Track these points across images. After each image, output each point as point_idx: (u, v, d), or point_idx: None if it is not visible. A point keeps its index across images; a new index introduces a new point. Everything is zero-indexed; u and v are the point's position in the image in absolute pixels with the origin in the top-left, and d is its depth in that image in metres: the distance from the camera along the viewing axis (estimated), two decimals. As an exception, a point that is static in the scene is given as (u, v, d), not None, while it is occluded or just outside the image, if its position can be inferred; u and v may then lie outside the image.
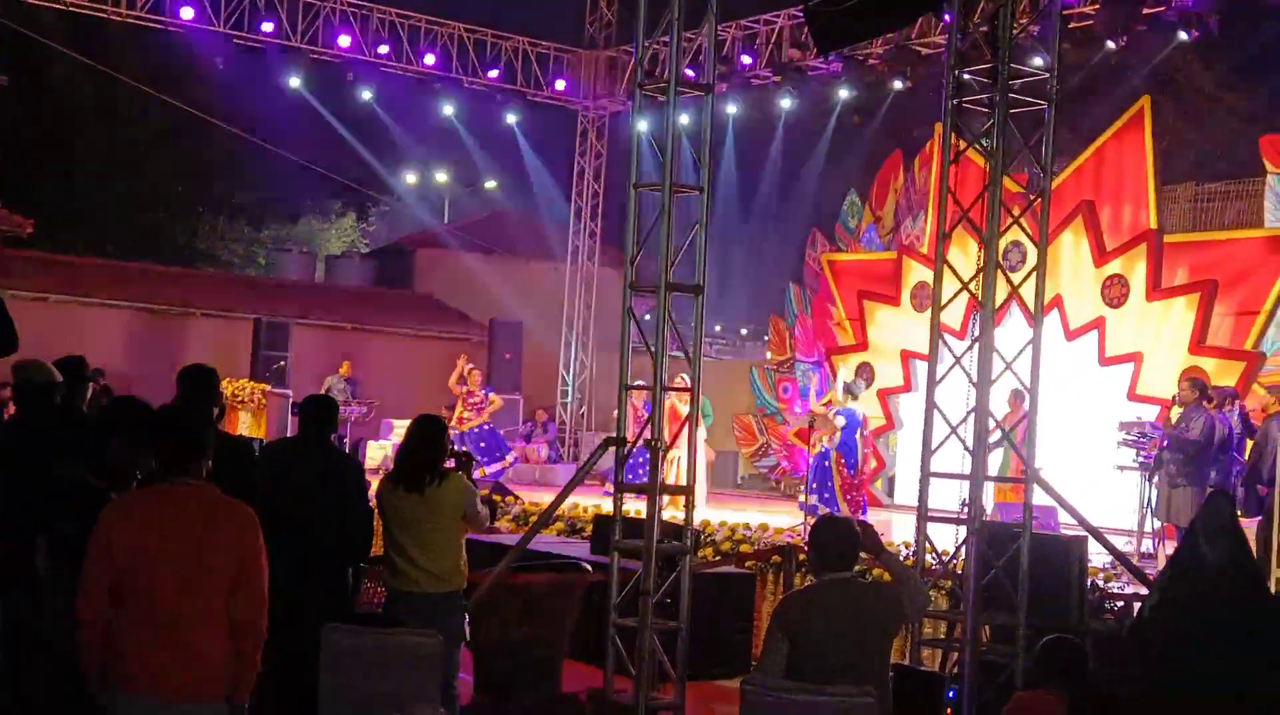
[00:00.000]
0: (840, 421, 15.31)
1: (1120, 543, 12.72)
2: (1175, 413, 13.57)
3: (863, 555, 6.13)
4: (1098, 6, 16.46)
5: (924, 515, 8.57)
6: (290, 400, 19.98)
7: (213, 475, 4.93)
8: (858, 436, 15.51)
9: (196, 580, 4.70)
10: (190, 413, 5.44)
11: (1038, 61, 9.40)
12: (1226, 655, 5.10)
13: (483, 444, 18.07)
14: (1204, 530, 5.33)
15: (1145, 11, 16.22)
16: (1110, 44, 16.71)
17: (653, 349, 7.63)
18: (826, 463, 15.30)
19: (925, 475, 8.55)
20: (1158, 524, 13.21)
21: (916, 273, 19.01)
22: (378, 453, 20.99)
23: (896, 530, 14.30)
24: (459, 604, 7.15)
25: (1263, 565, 5.65)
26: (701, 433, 16.90)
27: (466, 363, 19.07)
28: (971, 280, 8.41)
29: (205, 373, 6.96)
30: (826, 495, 15.03)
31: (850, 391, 15.70)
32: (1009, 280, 8.65)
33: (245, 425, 19.44)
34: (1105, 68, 18.74)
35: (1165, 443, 12.97)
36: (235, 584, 4.73)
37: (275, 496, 6.45)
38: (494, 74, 22.22)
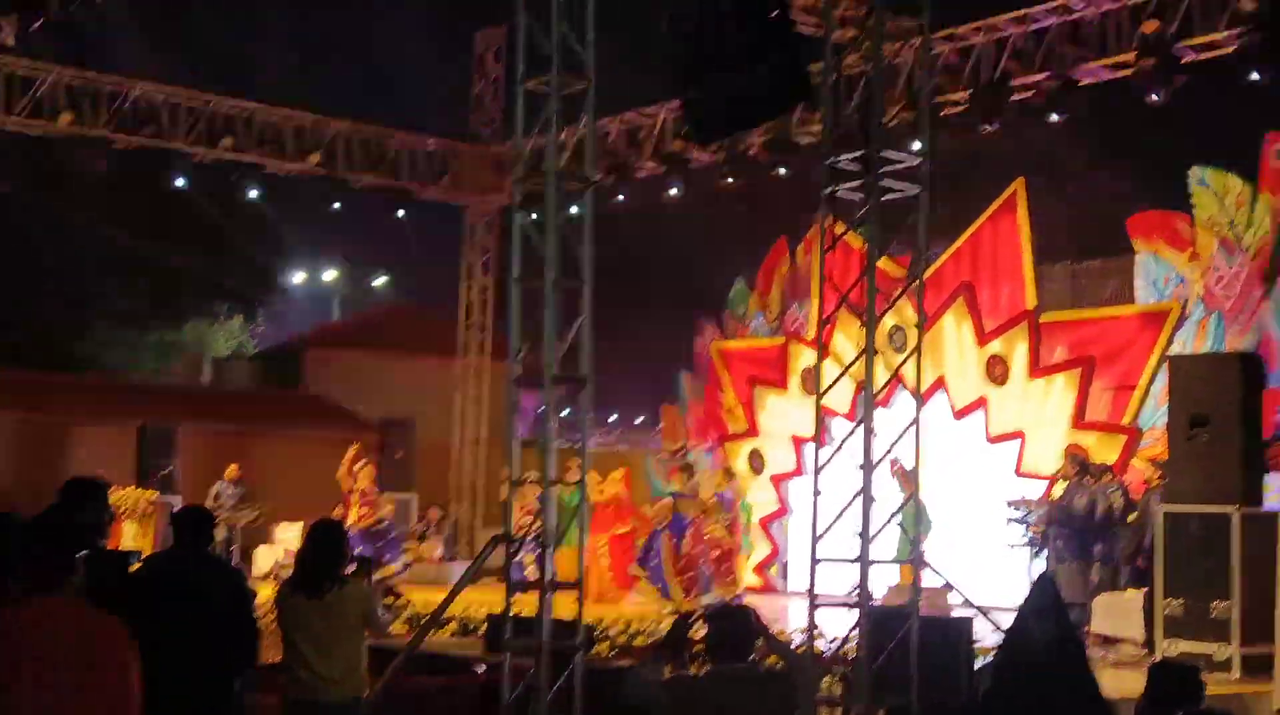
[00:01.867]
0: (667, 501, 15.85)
1: (1010, 620, 12.86)
2: (1059, 489, 13.80)
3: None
4: (969, 92, 16.89)
5: (814, 601, 8.59)
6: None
7: (85, 590, 4.79)
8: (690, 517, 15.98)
9: (67, 701, 4.54)
10: (55, 526, 5.29)
11: (914, 147, 9.61)
12: None
13: (380, 544, 17.80)
14: (1032, 611, 5.41)
15: (1014, 98, 16.67)
16: (984, 128, 17.13)
17: (541, 443, 7.61)
18: (656, 544, 15.74)
19: (814, 561, 8.58)
20: (1048, 599, 13.36)
21: (804, 357, 19.23)
22: (269, 557, 20.59)
23: (790, 616, 14.32)
24: (360, 713, 7.02)
25: (1084, 655, 5.72)
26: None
27: (356, 453, 18.84)
28: (852, 364, 8.52)
29: (88, 485, 6.80)
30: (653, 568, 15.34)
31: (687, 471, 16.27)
32: (888, 363, 8.76)
33: (131, 535, 18.98)
34: (979, 151, 19.20)
35: (1050, 519, 13.16)
36: (110, 702, 4.58)
37: (155, 611, 6.29)
38: (380, 171, 22.22)
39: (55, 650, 4.56)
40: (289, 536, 21.13)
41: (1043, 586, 5.52)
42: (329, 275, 40.04)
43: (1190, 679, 5.39)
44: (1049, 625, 5.27)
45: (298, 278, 38.50)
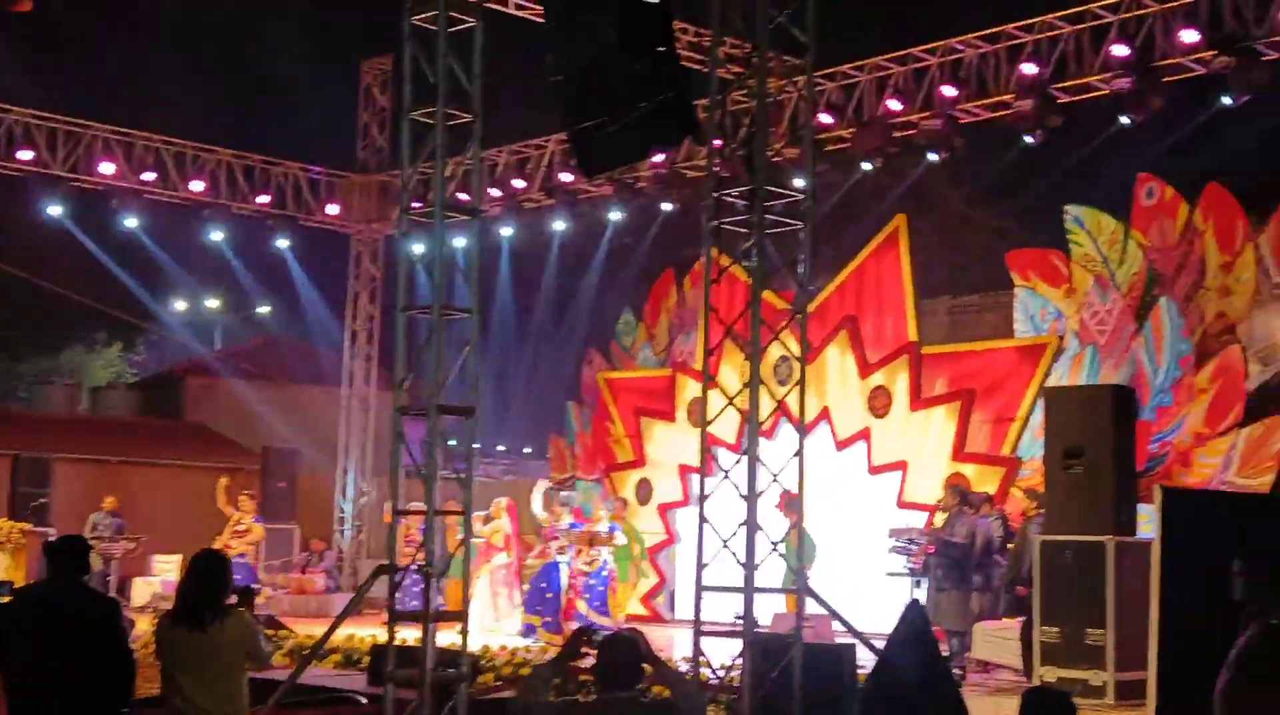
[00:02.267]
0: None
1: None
2: (940, 519, 14.03)
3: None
4: (853, 130, 17.19)
5: (699, 629, 8.64)
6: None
7: None
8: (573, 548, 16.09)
9: None
10: None
11: (798, 183, 9.75)
12: None
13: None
14: (900, 641, 5.51)
15: (896, 135, 16.99)
16: (866, 165, 17.43)
17: (425, 473, 7.58)
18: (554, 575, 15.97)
19: (699, 589, 8.63)
20: (929, 628, 13.56)
21: (691, 389, 19.35)
22: (146, 590, 20.19)
23: (677, 645, 14.36)
24: (239, 746, 6.89)
25: (952, 682, 5.84)
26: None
27: (228, 484, 18.62)
28: (737, 395, 8.61)
29: None
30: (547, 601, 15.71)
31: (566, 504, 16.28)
32: (772, 394, 8.87)
33: (3, 567, 18.49)
34: (863, 188, 19.54)
35: (931, 549, 13.37)
36: None
37: (28, 643, 6.15)
38: (264, 199, 21.97)
39: None
40: (167, 568, 20.75)
41: (911, 616, 5.62)
42: (211, 304, 39.47)
43: (1062, 704, 5.49)
44: (917, 654, 5.36)
45: (179, 306, 37.87)
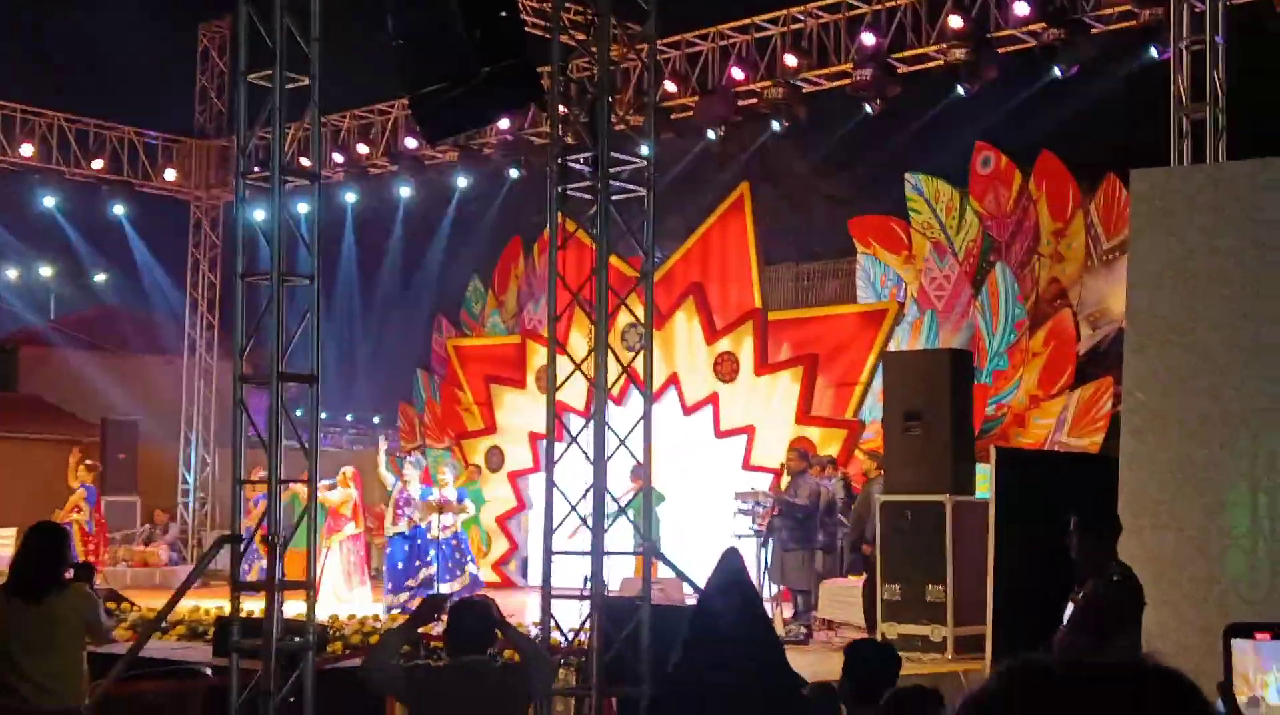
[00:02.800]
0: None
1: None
2: (785, 481, 14.28)
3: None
4: (697, 98, 17.31)
5: (548, 593, 8.70)
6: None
7: None
8: (427, 516, 16.04)
9: None
10: None
11: (643, 150, 9.80)
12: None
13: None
14: (717, 586, 5.64)
15: (740, 104, 17.16)
16: (710, 134, 17.57)
17: (267, 442, 7.50)
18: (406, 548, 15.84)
19: (548, 553, 8.69)
20: (774, 588, 13.82)
21: (540, 356, 19.35)
22: (-20, 566, 19.63)
23: (530, 610, 14.42)
24: (78, 722, 6.77)
25: (768, 624, 6.00)
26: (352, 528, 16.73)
27: (80, 456, 18.13)
28: (584, 361, 8.66)
29: None
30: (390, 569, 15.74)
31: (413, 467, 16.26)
32: (619, 360, 8.94)
33: None
34: (708, 156, 19.68)
35: (776, 510, 13.61)
36: None
37: None
38: (98, 165, 21.37)
39: None
40: (3, 542, 20.17)
41: (727, 561, 5.74)
42: (45, 272, 38.27)
43: (884, 655, 5.65)
44: (733, 599, 5.48)
45: (11, 274, 36.66)
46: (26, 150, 20.52)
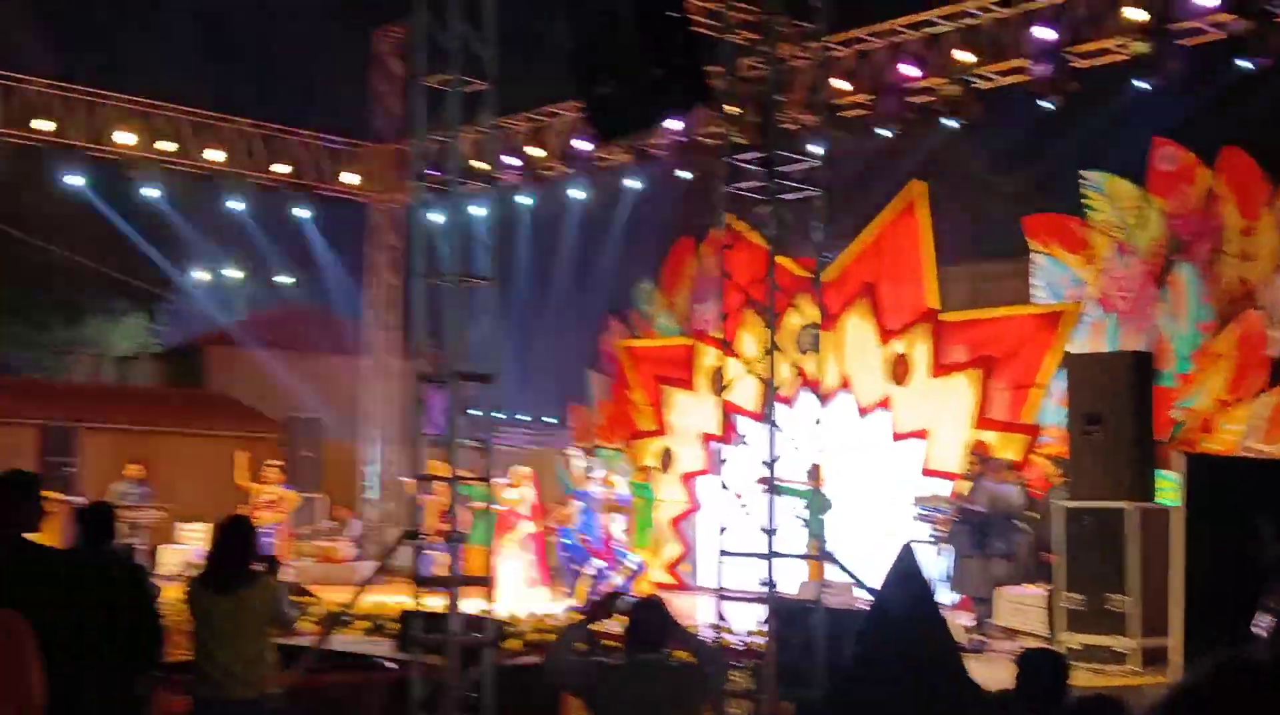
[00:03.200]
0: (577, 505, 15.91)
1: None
2: (963, 486, 14.05)
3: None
4: (869, 96, 17.12)
5: (722, 595, 8.70)
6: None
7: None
8: (598, 515, 16.03)
9: None
10: None
11: (813, 149, 9.74)
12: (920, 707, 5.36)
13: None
14: (892, 581, 5.59)
15: (912, 101, 16.93)
16: (882, 132, 17.36)
17: (445, 440, 7.64)
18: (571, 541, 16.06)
19: (721, 555, 8.68)
20: (955, 596, 13.60)
21: (710, 356, 19.37)
22: (174, 557, 20.35)
23: (701, 612, 14.44)
24: (268, 709, 7.00)
25: (940, 619, 5.89)
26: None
27: (247, 459, 18.69)
28: (754, 362, 8.63)
29: (17, 479, 6.71)
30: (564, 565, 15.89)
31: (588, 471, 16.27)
32: (790, 361, 8.89)
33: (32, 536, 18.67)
34: (880, 154, 19.47)
35: (955, 516, 13.39)
36: (16, 700, 4.55)
37: (53, 608, 6.23)
38: (283, 168, 22.01)
39: None
40: (194, 536, 20.90)
41: (902, 557, 5.70)
42: (232, 273, 39.58)
43: (1056, 665, 5.56)
44: (906, 593, 5.44)
45: (200, 276, 37.99)
46: (215, 155, 21.23)
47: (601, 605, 6.26)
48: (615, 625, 6.15)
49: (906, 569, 5.56)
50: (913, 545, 5.74)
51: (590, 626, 6.24)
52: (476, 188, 8.63)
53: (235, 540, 7.03)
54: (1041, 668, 5.53)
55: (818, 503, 10.53)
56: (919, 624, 5.39)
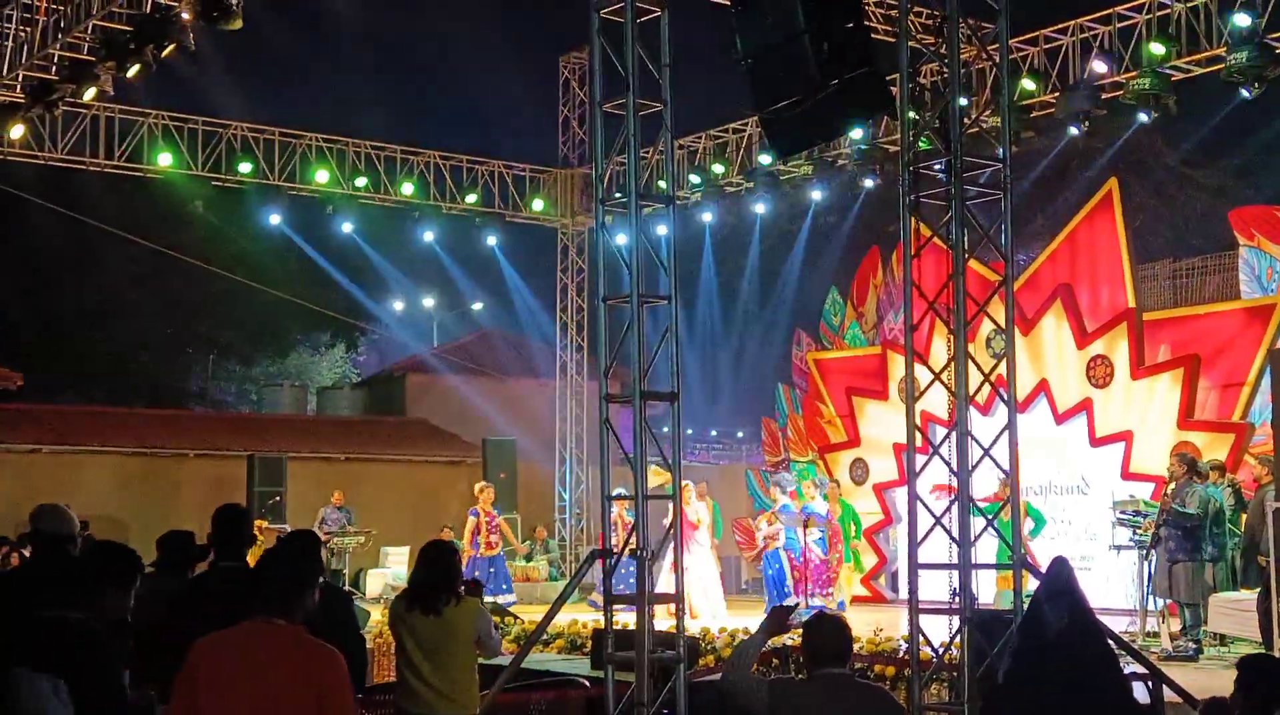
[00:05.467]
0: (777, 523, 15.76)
1: (1122, 623, 12.69)
2: (1169, 489, 13.59)
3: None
4: (1057, 94, 16.74)
5: (915, 606, 8.55)
6: (291, 536, 19.90)
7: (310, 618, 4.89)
8: (798, 530, 15.82)
9: None
10: (296, 556, 5.38)
11: (999, 152, 9.54)
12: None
13: (492, 570, 17.93)
14: (1045, 595, 5.40)
15: (1104, 96, 16.49)
16: (1073, 130, 16.94)
17: (632, 459, 7.68)
18: (777, 565, 15.89)
19: (913, 566, 8.54)
20: (1160, 602, 13.16)
21: (901, 366, 19.05)
22: (377, 581, 20.88)
23: (901, 624, 14.23)
24: (472, 728, 7.09)
25: (1099, 635, 5.66)
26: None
27: (480, 486, 18.96)
28: (943, 370, 8.48)
29: (239, 512, 6.98)
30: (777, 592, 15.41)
31: (779, 486, 16.07)
32: (980, 368, 8.71)
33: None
34: (1072, 152, 19.02)
35: (1162, 520, 12.95)
36: None
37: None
38: (472, 198, 22.47)
39: (266, 672, 4.67)
40: (397, 560, 21.42)
41: (1056, 570, 5.51)
42: (427, 302, 40.57)
43: (1277, 672, 5.33)
44: (1061, 608, 5.26)
45: (397, 306, 39.03)
46: (407, 188, 21.77)
47: (776, 618, 6.19)
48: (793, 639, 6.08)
49: (1059, 581, 5.39)
50: (1063, 557, 5.55)
51: (767, 640, 6.18)
52: (659, 208, 8.66)
53: (441, 561, 7.14)
54: (1262, 674, 5.33)
55: (1014, 511, 10.28)
56: (1076, 640, 5.22)
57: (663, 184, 9.45)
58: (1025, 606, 8.50)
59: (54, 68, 16.46)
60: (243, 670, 4.69)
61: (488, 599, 17.51)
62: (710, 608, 16.42)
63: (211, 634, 4.88)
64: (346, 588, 18.15)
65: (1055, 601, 5.25)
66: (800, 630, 5.99)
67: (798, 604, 13.80)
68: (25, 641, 5.26)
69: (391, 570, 21.15)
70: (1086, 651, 5.24)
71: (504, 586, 17.92)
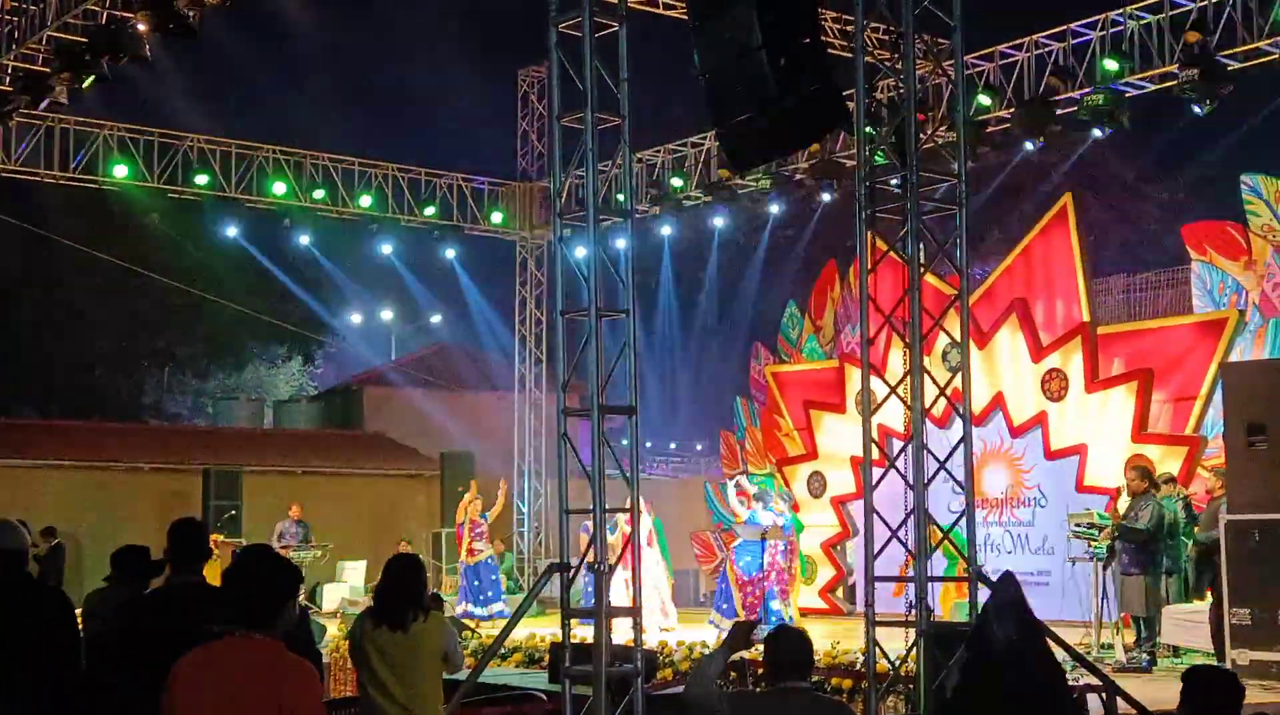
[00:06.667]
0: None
1: (1078, 635, 12.77)
2: (1124, 502, 13.70)
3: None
4: (1012, 110, 16.89)
5: (872, 619, 8.59)
6: (247, 549, 19.76)
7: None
8: (761, 541, 15.69)
9: None
10: (274, 568, 5.24)
11: (955, 167, 9.62)
12: None
13: (479, 580, 17.81)
14: (994, 610, 5.43)
15: (1059, 112, 16.65)
16: (1028, 145, 17.10)
17: (590, 473, 7.68)
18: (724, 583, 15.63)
19: (869, 579, 8.58)
20: (1115, 614, 13.26)
21: (859, 379, 19.16)
22: (334, 595, 20.77)
23: (859, 637, 14.27)
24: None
25: (1046, 651, 5.70)
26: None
27: (474, 494, 18.85)
28: (899, 383, 8.54)
29: (196, 526, 6.90)
30: (725, 605, 15.30)
31: (761, 499, 15.91)
32: (936, 382, 8.77)
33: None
34: (1027, 167, 19.17)
35: (1115, 533, 13.05)
36: None
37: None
38: (430, 211, 22.44)
39: (246, 688, 4.59)
40: (353, 573, 21.32)
41: (1004, 585, 5.54)
42: (385, 315, 40.45)
43: (1226, 682, 5.34)
44: (1009, 624, 5.29)
45: (354, 318, 38.90)
46: (365, 201, 21.72)
47: (737, 634, 6.20)
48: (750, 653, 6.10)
49: (1007, 597, 5.42)
50: (1011, 572, 5.58)
51: (730, 655, 6.18)
52: (617, 222, 8.68)
53: (408, 575, 7.08)
54: (1208, 685, 5.34)
55: (970, 523, 10.34)
56: (1023, 654, 5.25)
57: (621, 198, 9.48)
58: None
59: (8, 78, 16.34)
60: (217, 688, 4.61)
61: (473, 610, 17.46)
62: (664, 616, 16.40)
63: (191, 651, 4.80)
64: (303, 602, 18.01)
65: (1002, 615, 5.27)
66: (762, 645, 6.01)
67: (759, 621, 13.78)
68: None
69: (349, 584, 21.05)
70: (1034, 666, 5.26)
71: (490, 595, 17.75)
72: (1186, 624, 12.74)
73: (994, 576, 10.30)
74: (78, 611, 6.67)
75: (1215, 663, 11.01)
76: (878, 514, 8.68)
